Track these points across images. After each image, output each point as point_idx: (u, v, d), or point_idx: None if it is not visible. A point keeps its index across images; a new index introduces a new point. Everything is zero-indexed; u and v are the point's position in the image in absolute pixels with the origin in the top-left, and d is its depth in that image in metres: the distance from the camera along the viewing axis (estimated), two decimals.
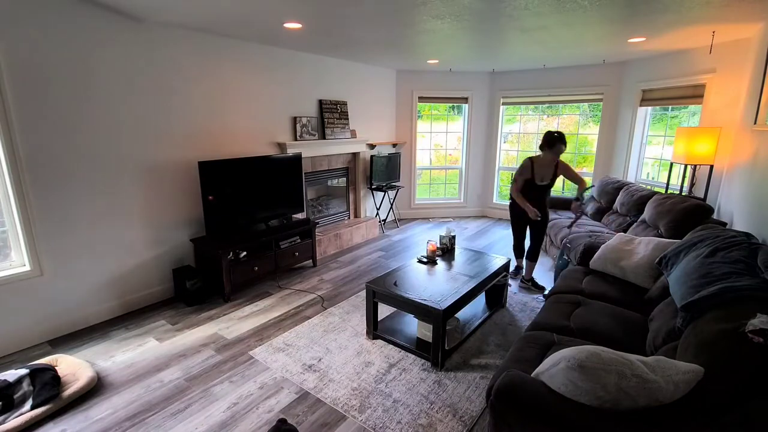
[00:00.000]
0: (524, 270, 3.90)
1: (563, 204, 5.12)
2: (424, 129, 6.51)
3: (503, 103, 6.28)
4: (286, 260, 4.02)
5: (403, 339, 2.80)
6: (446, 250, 3.49)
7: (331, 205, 5.36)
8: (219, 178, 3.50)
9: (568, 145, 3.45)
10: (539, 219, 3.54)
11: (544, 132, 3.49)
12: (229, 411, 2.19)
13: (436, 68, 5.73)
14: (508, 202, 3.87)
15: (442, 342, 2.52)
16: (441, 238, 3.50)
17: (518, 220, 3.78)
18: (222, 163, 3.51)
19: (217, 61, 3.65)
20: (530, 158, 3.56)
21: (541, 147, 3.50)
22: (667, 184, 4.24)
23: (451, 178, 6.76)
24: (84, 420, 2.13)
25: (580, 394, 1.35)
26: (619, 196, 4.31)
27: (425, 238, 5.46)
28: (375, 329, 2.89)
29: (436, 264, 3.21)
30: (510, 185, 3.80)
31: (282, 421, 1.86)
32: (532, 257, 3.82)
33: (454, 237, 3.54)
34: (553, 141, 3.39)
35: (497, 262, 3.25)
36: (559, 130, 3.50)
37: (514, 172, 3.70)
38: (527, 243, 3.88)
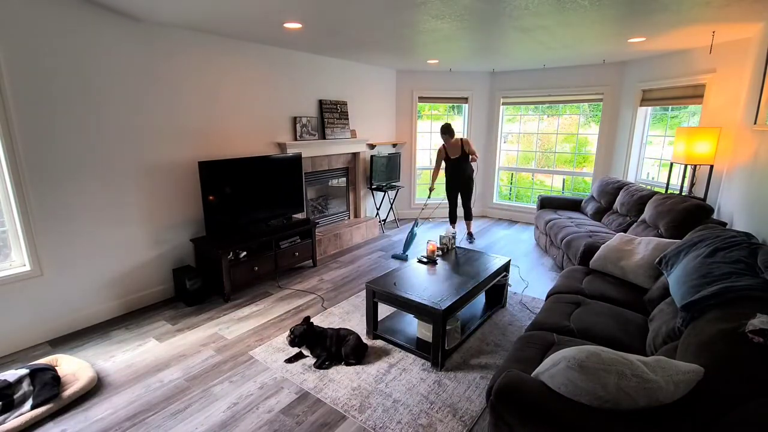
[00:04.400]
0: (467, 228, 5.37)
1: (563, 204, 5.13)
2: (424, 129, 6.50)
3: (503, 103, 6.28)
4: (286, 260, 4.02)
5: (403, 339, 2.80)
6: (446, 250, 3.49)
7: (331, 205, 5.36)
8: (219, 178, 3.50)
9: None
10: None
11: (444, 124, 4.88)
12: (229, 411, 2.19)
13: (436, 68, 5.73)
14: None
15: (442, 342, 2.52)
16: (441, 238, 3.50)
17: (450, 192, 5.23)
18: (222, 163, 3.51)
19: (217, 61, 3.65)
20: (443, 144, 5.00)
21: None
22: (667, 184, 4.24)
23: None
24: (84, 420, 2.13)
25: (580, 394, 1.35)
26: (619, 196, 4.31)
27: (425, 238, 5.46)
28: (375, 329, 2.89)
29: (436, 264, 3.21)
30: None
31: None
32: (469, 216, 5.28)
33: (454, 237, 3.55)
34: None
35: (497, 262, 3.25)
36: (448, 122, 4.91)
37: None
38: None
